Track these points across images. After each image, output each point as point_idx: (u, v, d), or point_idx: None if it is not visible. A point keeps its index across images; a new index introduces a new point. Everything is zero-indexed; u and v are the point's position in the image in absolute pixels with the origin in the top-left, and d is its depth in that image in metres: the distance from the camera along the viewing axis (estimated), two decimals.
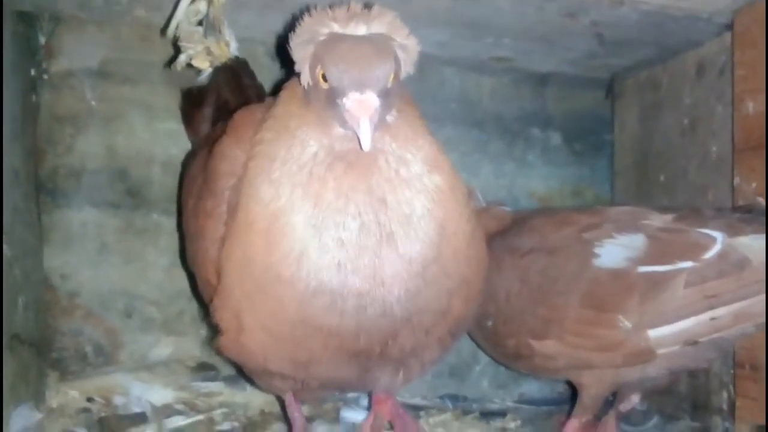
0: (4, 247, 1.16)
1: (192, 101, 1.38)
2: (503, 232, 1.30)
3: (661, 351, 1.11)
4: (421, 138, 0.87)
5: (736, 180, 1.26)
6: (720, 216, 1.13)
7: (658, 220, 1.15)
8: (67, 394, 1.38)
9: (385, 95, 0.80)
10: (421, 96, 1.55)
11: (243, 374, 1.41)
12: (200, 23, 1.15)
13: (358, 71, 0.78)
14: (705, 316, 1.07)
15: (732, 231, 1.08)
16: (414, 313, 0.88)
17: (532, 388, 1.65)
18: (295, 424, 1.12)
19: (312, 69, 0.82)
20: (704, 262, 1.07)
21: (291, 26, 0.87)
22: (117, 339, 1.44)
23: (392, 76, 0.81)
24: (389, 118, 0.84)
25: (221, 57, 1.16)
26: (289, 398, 1.12)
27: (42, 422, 1.27)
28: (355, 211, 0.82)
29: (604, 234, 1.15)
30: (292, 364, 0.94)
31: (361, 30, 0.82)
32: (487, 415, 1.49)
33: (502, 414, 1.51)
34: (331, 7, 0.84)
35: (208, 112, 1.32)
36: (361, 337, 0.88)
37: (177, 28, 1.16)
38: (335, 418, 1.37)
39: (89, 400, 1.38)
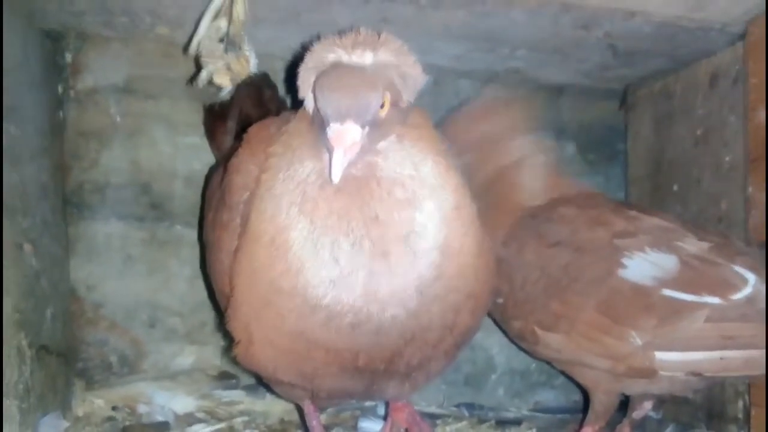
0: (33, 259, 1.20)
1: (215, 116, 1.41)
2: (534, 213, 1.27)
3: (663, 373, 1.10)
4: (424, 160, 0.88)
5: (749, 189, 1.26)
6: (749, 253, 1.12)
7: (693, 246, 1.12)
8: (93, 403, 1.42)
9: (374, 124, 0.82)
10: (436, 108, 1.57)
11: (263, 383, 1.44)
12: (221, 40, 1.18)
13: (341, 102, 0.80)
14: (716, 354, 1.07)
15: (761, 274, 1.07)
16: (418, 332, 0.89)
17: (547, 396, 1.66)
18: None
19: (313, 96, 0.85)
20: (731, 302, 1.06)
21: (308, 44, 0.90)
22: (141, 349, 1.47)
23: (385, 105, 0.83)
24: (383, 143, 0.86)
25: (241, 73, 1.18)
26: (307, 407, 1.14)
27: (68, 431, 1.30)
28: (347, 228, 0.84)
29: (636, 245, 1.13)
30: (299, 375, 0.96)
31: (367, 58, 0.84)
32: (502, 424, 1.49)
33: (517, 423, 1.51)
34: (341, 32, 0.87)
35: (231, 126, 1.35)
36: (360, 356, 0.89)
37: (199, 45, 1.18)
38: (353, 426, 1.38)
39: (114, 408, 1.41)
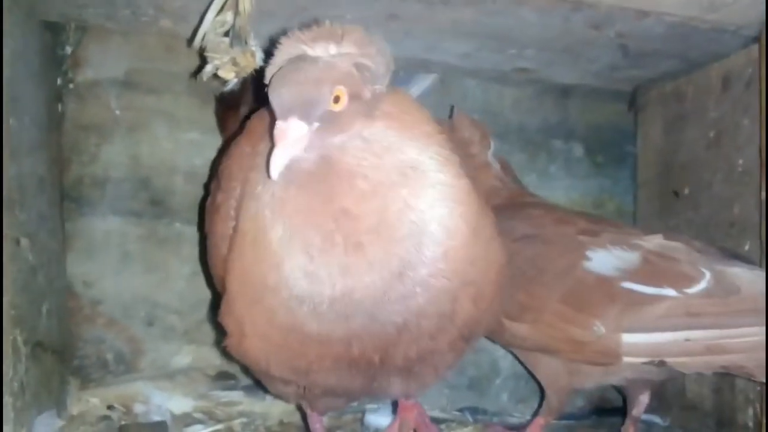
0: (30, 254, 1.18)
1: (226, 105, 1.39)
2: (497, 210, 1.29)
3: (626, 359, 1.12)
4: (390, 148, 0.85)
5: (763, 194, 1.25)
6: (707, 251, 1.16)
7: (652, 244, 1.17)
8: (88, 402, 1.39)
9: (326, 120, 0.80)
10: (442, 107, 1.56)
11: (262, 383, 1.42)
12: (227, 34, 1.16)
13: (284, 99, 0.80)
14: (681, 335, 1.09)
15: (715, 272, 1.11)
16: (409, 318, 0.87)
17: None
18: None
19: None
20: (688, 295, 1.10)
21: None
22: (138, 347, 1.44)
23: (340, 99, 0.81)
24: (342, 137, 0.83)
25: (247, 67, 1.16)
26: (309, 408, 1.12)
27: (63, 430, 1.28)
28: (315, 224, 0.83)
29: (599, 242, 1.19)
30: (292, 370, 0.95)
31: (327, 50, 0.82)
32: (508, 430, 1.47)
33: (522, 428, 1.49)
34: (317, 24, 0.85)
35: (243, 113, 1.32)
36: (353, 345, 0.88)
37: (204, 38, 1.16)
38: (355, 430, 1.36)
39: (110, 407, 1.39)
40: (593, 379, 1.22)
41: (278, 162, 0.78)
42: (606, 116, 1.72)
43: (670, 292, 1.10)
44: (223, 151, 1.26)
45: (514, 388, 1.61)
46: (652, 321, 1.10)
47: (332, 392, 1.02)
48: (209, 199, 1.15)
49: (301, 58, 0.82)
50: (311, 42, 0.83)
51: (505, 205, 1.34)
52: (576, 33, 1.35)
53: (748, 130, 1.32)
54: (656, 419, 1.45)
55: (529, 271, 1.20)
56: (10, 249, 1.09)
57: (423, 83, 1.60)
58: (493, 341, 1.37)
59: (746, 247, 1.31)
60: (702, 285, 1.09)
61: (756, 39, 1.29)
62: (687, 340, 1.08)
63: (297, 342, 0.89)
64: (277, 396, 1.17)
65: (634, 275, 1.13)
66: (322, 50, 0.82)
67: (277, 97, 0.80)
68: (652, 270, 1.13)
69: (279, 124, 0.80)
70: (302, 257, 0.83)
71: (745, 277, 1.09)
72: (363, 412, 1.41)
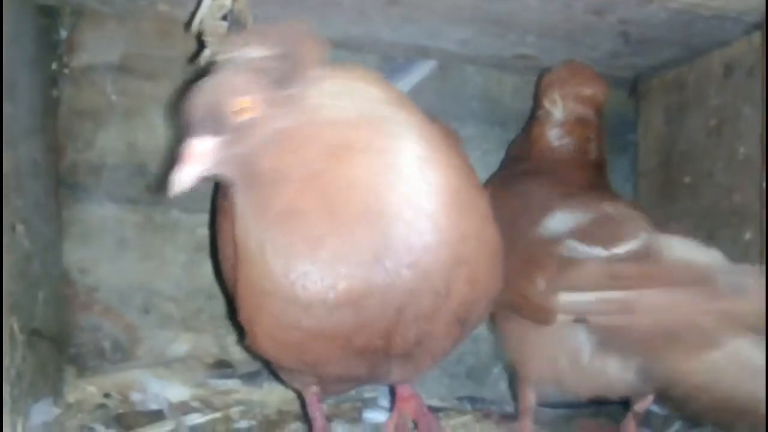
0: (26, 240, 1.17)
1: None
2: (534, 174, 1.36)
3: (560, 317, 1.12)
4: (310, 139, 0.83)
5: (764, 182, 1.24)
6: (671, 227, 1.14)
7: (613, 208, 1.17)
8: (85, 390, 1.39)
9: (235, 131, 0.80)
10: (442, 94, 1.55)
11: (261, 372, 1.41)
12: (225, 18, 1.14)
13: (188, 117, 0.80)
14: (601, 295, 1.08)
15: (653, 235, 1.10)
16: (402, 303, 0.86)
17: (549, 390, 1.63)
18: (316, 423, 1.12)
19: None
20: (614, 254, 1.09)
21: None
22: (135, 335, 1.43)
23: (245, 108, 0.80)
24: (254, 143, 0.82)
25: None
26: (310, 397, 1.12)
27: (60, 418, 1.27)
28: (271, 225, 0.85)
29: (569, 204, 1.20)
30: (302, 363, 0.97)
31: (246, 54, 0.82)
32: (506, 418, 1.47)
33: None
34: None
35: None
36: (355, 338, 0.88)
37: (201, 23, 1.14)
38: (354, 418, 1.36)
39: (106, 395, 1.38)
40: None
41: (176, 180, 0.79)
42: (606, 104, 1.70)
43: (600, 251, 1.10)
44: None
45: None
46: (581, 280, 1.10)
47: (343, 379, 1.06)
48: (217, 211, 1.16)
49: (211, 73, 0.83)
50: (238, 46, 0.83)
51: (544, 169, 1.37)
52: (577, 19, 1.33)
53: (749, 118, 1.32)
54: (654, 408, 1.45)
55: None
56: (6, 236, 1.08)
57: (422, 70, 1.59)
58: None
59: (746, 236, 1.31)
60: (630, 246, 1.08)
61: (758, 26, 1.28)
62: (605, 300, 1.07)
63: (300, 339, 0.90)
64: (292, 385, 1.18)
65: (578, 234, 1.14)
66: (255, 53, 0.82)
67: (183, 115, 0.81)
68: (594, 230, 1.14)
69: (185, 142, 0.80)
70: (278, 260, 0.84)
71: (675, 245, 1.07)
72: (361, 401, 1.41)
